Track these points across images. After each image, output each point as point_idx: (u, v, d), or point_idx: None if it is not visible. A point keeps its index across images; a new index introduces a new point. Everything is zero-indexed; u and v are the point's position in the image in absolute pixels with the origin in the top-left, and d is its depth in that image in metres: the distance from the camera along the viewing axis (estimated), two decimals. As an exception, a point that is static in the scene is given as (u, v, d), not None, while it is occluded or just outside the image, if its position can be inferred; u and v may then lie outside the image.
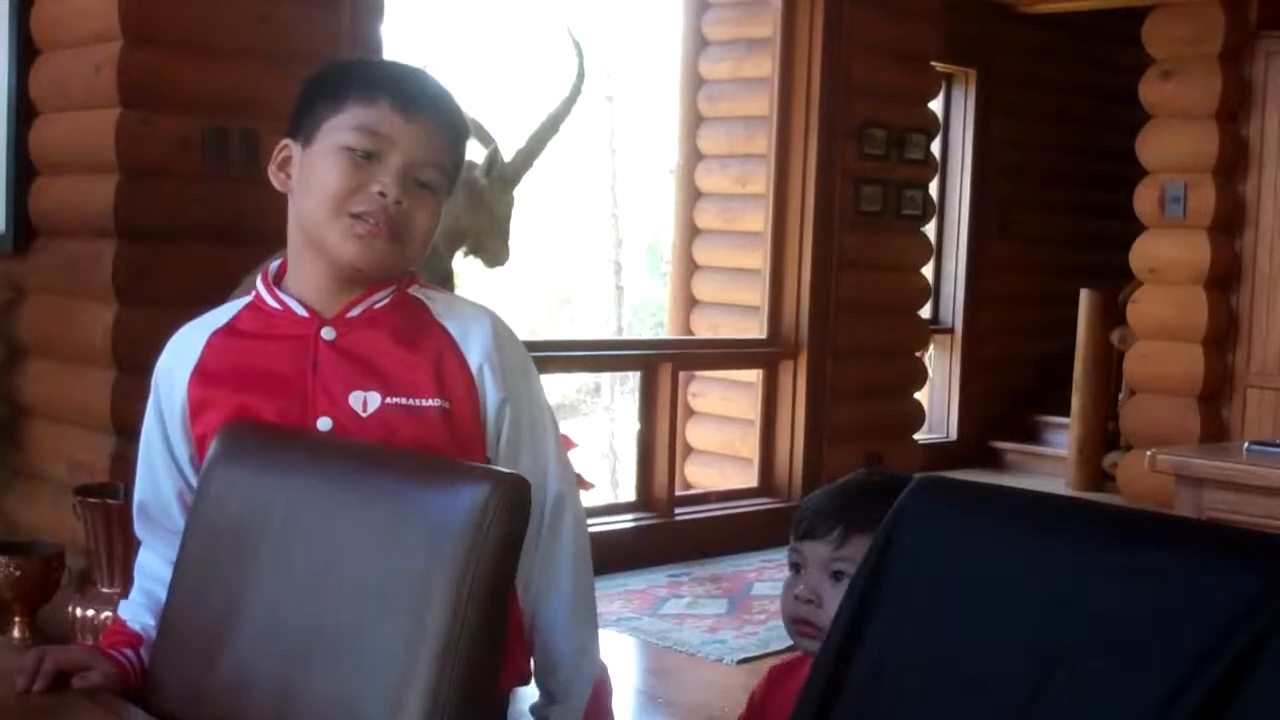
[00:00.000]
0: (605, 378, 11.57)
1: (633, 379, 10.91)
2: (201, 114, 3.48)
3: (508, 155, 3.78)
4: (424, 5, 9.84)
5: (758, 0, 5.64)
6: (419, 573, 1.24)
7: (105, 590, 3.00)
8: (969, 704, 1.25)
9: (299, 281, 1.62)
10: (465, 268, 3.87)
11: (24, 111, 3.73)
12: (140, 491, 1.64)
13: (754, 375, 5.63)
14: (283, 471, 1.46)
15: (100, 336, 3.46)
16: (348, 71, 1.63)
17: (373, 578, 1.29)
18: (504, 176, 3.74)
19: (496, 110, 4.21)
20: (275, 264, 1.66)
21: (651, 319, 12.08)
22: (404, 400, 1.56)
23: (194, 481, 1.59)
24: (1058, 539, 1.24)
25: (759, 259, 5.62)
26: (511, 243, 3.81)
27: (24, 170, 3.74)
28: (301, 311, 1.60)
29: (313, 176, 1.58)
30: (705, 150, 5.96)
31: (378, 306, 1.61)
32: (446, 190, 1.63)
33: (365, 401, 1.56)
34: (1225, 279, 5.94)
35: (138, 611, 1.59)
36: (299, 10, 3.66)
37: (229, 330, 1.63)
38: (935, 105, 6.23)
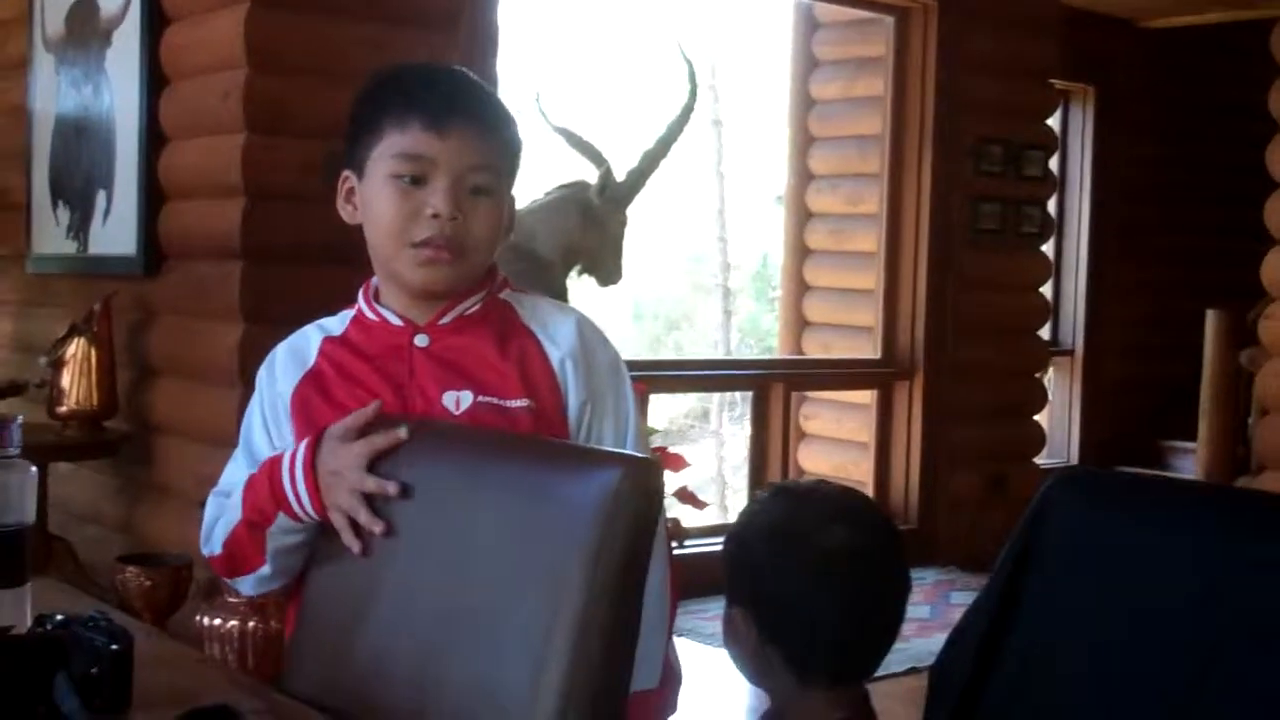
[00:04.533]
0: (713, 403, 11.56)
1: (741, 405, 10.93)
2: (323, 138, 3.55)
3: (620, 175, 3.82)
4: (538, 30, 9.97)
5: (869, 19, 5.62)
6: (553, 557, 1.27)
7: (231, 600, 3.07)
8: (1123, 699, 1.23)
9: (390, 298, 1.69)
10: (579, 287, 3.91)
11: (154, 139, 3.83)
12: (229, 485, 1.67)
13: (867, 397, 5.58)
14: (416, 460, 1.49)
15: (226, 356, 3.54)
16: (379, 95, 1.66)
17: (507, 563, 1.32)
18: (617, 196, 3.78)
19: (609, 131, 4.24)
20: (375, 279, 1.72)
21: (759, 344, 12.06)
22: (494, 400, 1.61)
23: None
24: (1205, 531, 1.22)
25: (871, 279, 5.59)
26: (624, 262, 3.85)
27: (154, 196, 3.84)
28: (397, 322, 1.67)
29: (371, 210, 1.63)
30: (816, 170, 5.94)
31: (469, 313, 1.67)
32: (508, 181, 1.67)
33: (458, 401, 1.61)
34: (1361, 293, 5.76)
35: None
36: (417, 36, 3.72)
37: (340, 341, 1.70)
38: (1053, 123, 6.15)
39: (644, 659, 1.54)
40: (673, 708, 1.69)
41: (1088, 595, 1.30)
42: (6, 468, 1.37)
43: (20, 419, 1.39)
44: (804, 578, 1.54)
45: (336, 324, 1.72)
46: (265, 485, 1.55)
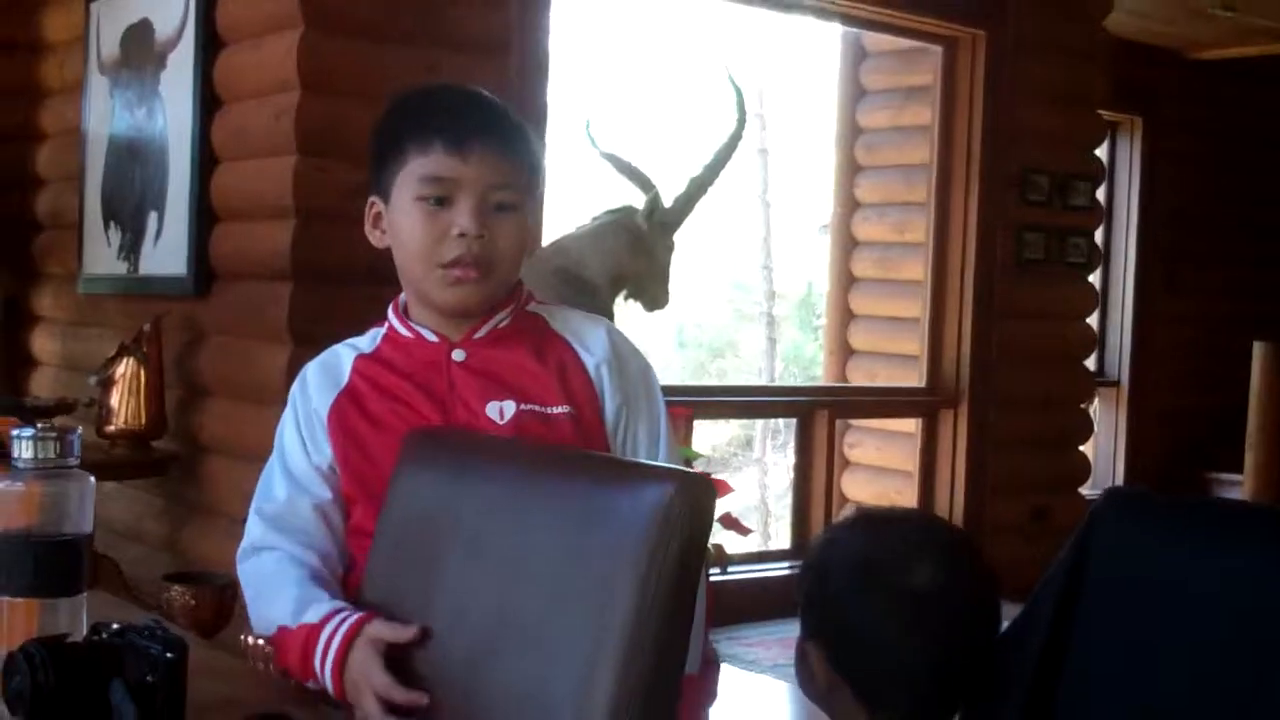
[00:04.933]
0: (757, 431, 11.55)
1: (784, 433, 10.91)
2: (374, 161, 3.58)
3: (668, 201, 3.83)
4: (588, 56, 10.02)
5: (917, 49, 5.62)
6: (605, 570, 1.27)
7: (251, 641, 3.08)
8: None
9: (421, 316, 1.71)
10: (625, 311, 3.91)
11: (206, 160, 3.88)
12: (269, 503, 1.67)
13: (911, 426, 5.56)
14: (469, 472, 1.51)
15: (275, 376, 3.57)
16: (400, 120, 1.68)
17: (559, 574, 1.33)
18: (664, 221, 3.79)
19: (657, 157, 4.26)
20: (403, 297, 1.74)
21: (803, 373, 12.04)
22: (536, 407, 1.63)
23: (329, 494, 1.66)
24: (1255, 552, 1.20)
25: (916, 308, 5.57)
26: (670, 287, 3.85)
27: (205, 217, 3.88)
28: (432, 338, 1.69)
29: (399, 233, 1.65)
30: (862, 199, 5.94)
31: (501, 326, 1.69)
32: (532, 196, 1.69)
33: (502, 410, 1.64)
34: None
35: (332, 600, 1.57)
36: (467, 62, 3.75)
37: (374, 358, 1.71)
38: (1100, 153, 6.13)
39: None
40: (714, 693, 1.70)
41: (1139, 616, 1.28)
42: (66, 478, 1.38)
43: (80, 431, 1.41)
44: (888, 619, 1.44)
45: (367, 342, 1.74)
46: (298, 656, 1.53)
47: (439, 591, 1.44)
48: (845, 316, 5.98)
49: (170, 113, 4.02)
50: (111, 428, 3.93)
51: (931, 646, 1.45)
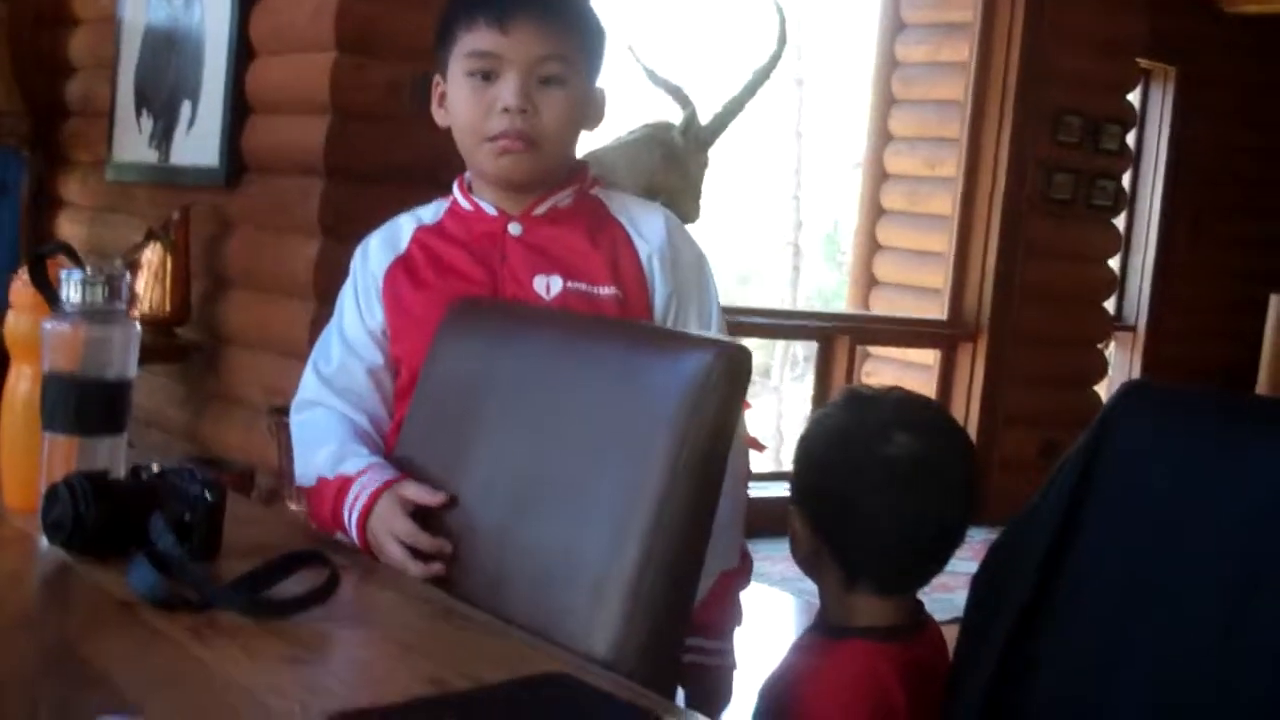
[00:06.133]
0: (775, 360, 11.57)
1: (802, 364, 10.93)
2: (412, 60, 3.58)
3: (704, 118, 3.83)
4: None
5: (958, -17, 5.59)
6: (640, 432, 1.30)
7: (293, 507, 3.13)
8: (1166, 619, 1.24)
9: (481, 190, 1.75)
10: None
11: (243, 54, 3.87)
12: (325, 364, 1.73)
13: (930, 358, 5.59)
14: (511, 337, 1.55)
15: (303, 269, 3.59)
16: (454, 1, 1.71)
17: (594, 436, 1.36)
18: (699, 138, 3.80)
19: (697, 77, 4.26)
20: (469, 173, 1.78)
21: (825, 305, 12.02)
22: (583, 286, 1.66)
23: (381, 359, 1.71)
24: (1261, 447, 1.22)
25: (942, 242, 5.58)
26: (702, 203, 3.87)
27: (239, 109, 3.89)
28: (491, 210, 1.73)
29: (453, 109, 1.70)
30: (895, 132, 5.93)
31: (561, 206, 1.72)
32: (585, 69, 1.70)
33: (549, 285, 1.67)
34: None
35: (371, 456, 1.61)
36: (510, -37, 3.73)
37: (435, 229, 1.76)
38: (1133, 99, 6.10)
39: (726, 543, 1.59)
40: (746, 582, 1.75)
41: (1151, 506, 1.30)
42: (111, 322, 1.40)
43: (128, 276, 1.43)
44: (860, 481, 1.54)
45: (430, 213, 1.79)
46: (330, 506, 1.58)
47: (474, 453, 1.47)
48: (872, 247, 5.99)
49: (209, 4, 4.01)
50: (136, 313, 3.95)
51: (903, 511, 1.54)
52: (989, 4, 5.46)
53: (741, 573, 1.72)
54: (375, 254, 1.75)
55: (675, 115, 3.81)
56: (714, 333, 1.72)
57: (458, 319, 1.61)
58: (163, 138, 4.24)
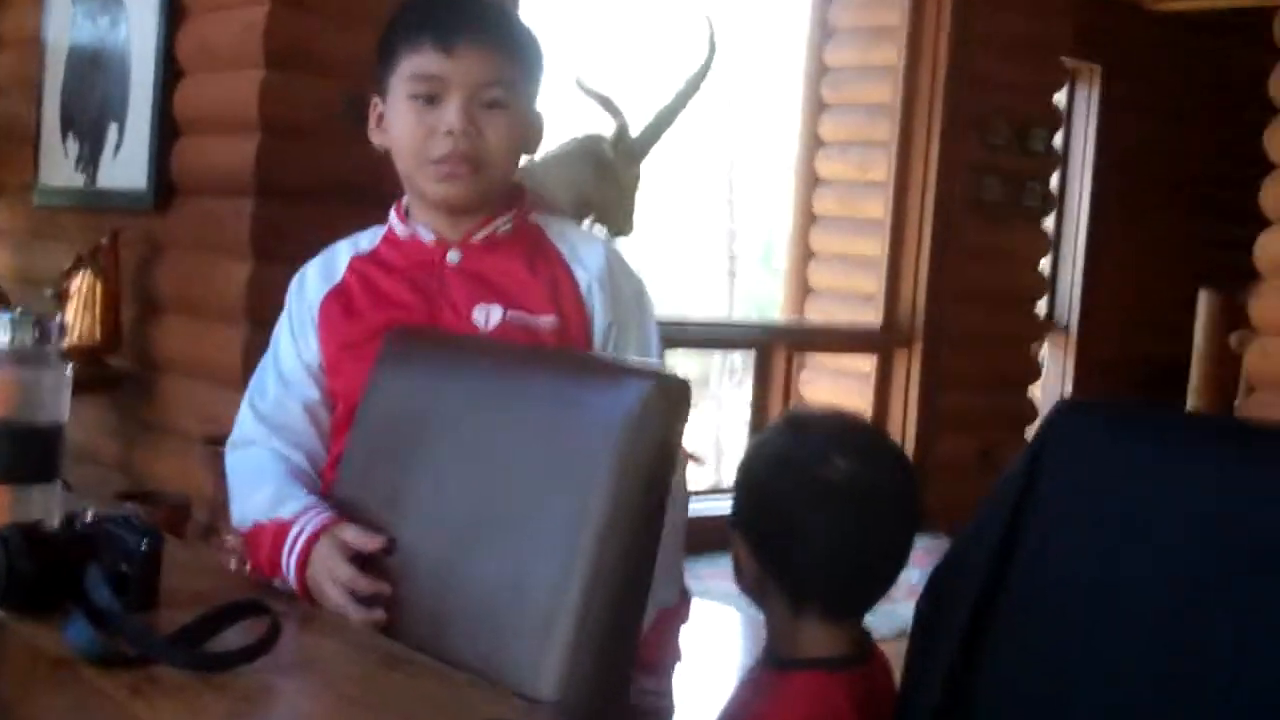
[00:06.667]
0: (714, 369, 11.59)
1: (740, 372, 10.95)
2: (342, 78, 3.55)
3: (635, 130, 3.83)
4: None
5: (885, -12, 5.63)
6: (581, 465, 1.30)
7: (229, 539, 3.09)
8: (1121, 632, 1.25)
9: (420, 215, 1.73)
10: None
11: (170, 73, 3.82)
12: (261, 400, 1.71)
13: (866, 364, 5.62)
14: (449, 370, 1.54)
15: (235, 293, 3.55)
16: (396, 19, 1.72)
17: (538, 467, 1.35)
18: (631, 150, 3.79)
19: (627, 87, 4.26)
20: (406, 197, 1.77)
21: (761, 313, 12.05)
22: (522, 315, 1.66)
23: (317, 394, 1.69)
24: (1208, 460, 1.24)
25: (876, 246, 5.61)
26: (635, 215, 3.86)
27: (167, 130, 3.84)
28: (429, 237, 1.72)
29: (394, 131, 1.70)
30: (826, 138, 5.95)
31: (499, 232, 1.72)
32: (527, 94, 1.71)
33: (488, 315, 1.66)
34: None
35: (308, 497, 1.60)
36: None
37: (371, 257, 1.74)
38: (1059, 100, 6.17)
39: (667, 580, 1.59)
40: (686, 619, 1.76)
41: (1091, 523, 1.32)
42: (43, 366, 1.38)
43: (60, 318, 1.41)
44: (800, 506, 1.53)
45: (367, 240, 1.77)
46: (268, 551, 1.56)
47: (413, 489, 1.46)
48: (805, 254, 6.01)
49: (134, 22, 3.96)
50: (65, 343, 3.89)
51: (847, 535, 1.53)
52: (916, 8, 5.50)
53: (680, 611, 1.72)
54: (311, 284, 1.74)
55: (606, 127, 3.80)
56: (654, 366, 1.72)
57: (395, 350, 1.59)
58: (89, 161, 4.18)
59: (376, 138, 1.75)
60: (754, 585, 1.60)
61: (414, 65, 1.64)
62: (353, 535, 1.47)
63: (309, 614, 1.44)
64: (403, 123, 1.66)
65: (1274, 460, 1.20)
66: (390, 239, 1.75)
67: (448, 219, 1.71)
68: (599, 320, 1.69)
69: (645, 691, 1.65)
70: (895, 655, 1.64)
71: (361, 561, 1.46)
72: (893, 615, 4.17)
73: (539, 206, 1.79)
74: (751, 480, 1.60)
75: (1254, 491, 1.17)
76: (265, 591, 1.41)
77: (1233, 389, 6.43)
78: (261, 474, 1.64)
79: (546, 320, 1.66)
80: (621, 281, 1.73)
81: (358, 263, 1.74)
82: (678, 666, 1.73)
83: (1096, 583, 1.29)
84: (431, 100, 1.64)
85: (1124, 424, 1.36)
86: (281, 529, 1.54)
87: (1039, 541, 1.36)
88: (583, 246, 1.74)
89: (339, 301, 1.70)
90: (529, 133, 1.72)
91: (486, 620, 1.34)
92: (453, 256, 1.70)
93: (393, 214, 1.77)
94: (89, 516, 1.36)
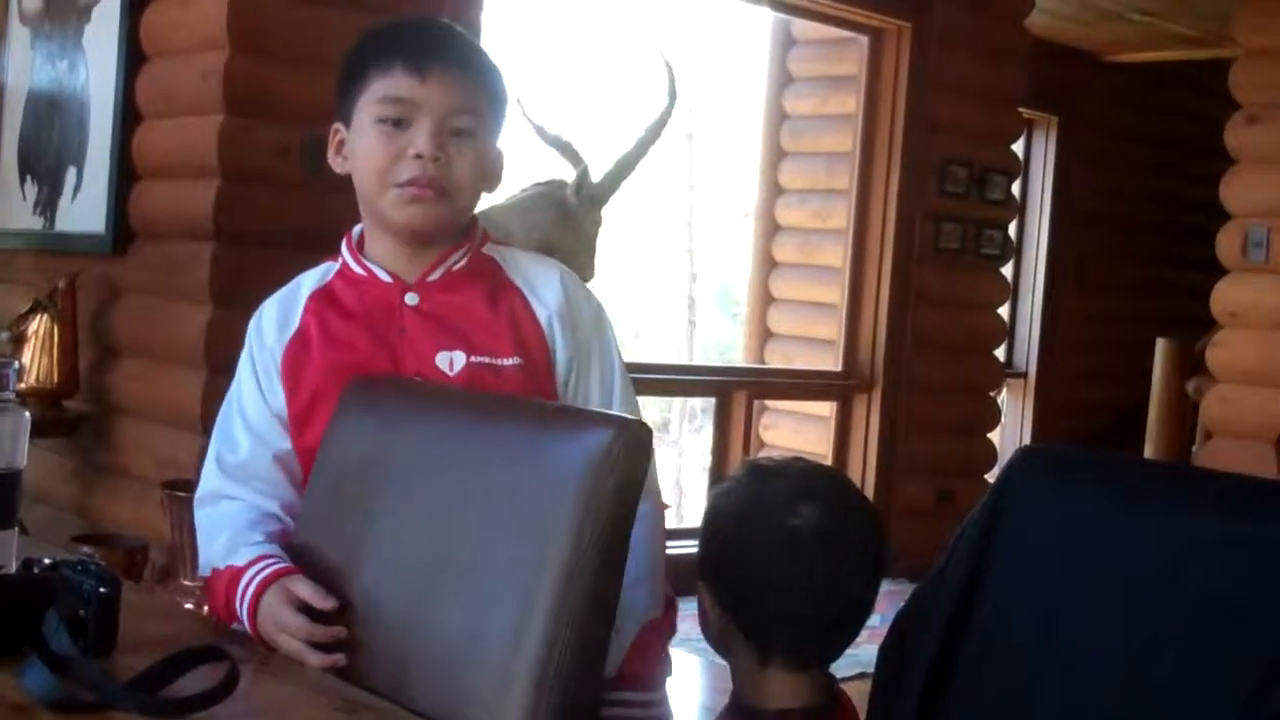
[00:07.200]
0: (674, 414, 11.59)
1: (701, 417, 10.98)
2: (302, 122, 3.56)
3: (596, 176, 3.84)
4: (520, 31, 9.97)
5: (844, 38, 5.68)
6: (541, 512, 1.29)
7: (187, 583, 3.06)
8: (1070, 683, 1.26)
9: (377, 249, 1.71)
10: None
11: (129, 117, 3.82)
12: (231, 453, 1.67)
13: (826, 409, 5.64)
14: (409, 417, 1.53)
15: (194, 337, 3.54)
16: (365, 44, 1.70)
17: (498, 516, 1.34)
18: (593, 196, 3.81)
19: (587, 134, 4.26)
20: (358, 229, 1.74)
21: (721, 358, 12.08)
22: (486, 359, 1.64)
23: (287, 444, 1.66)
24: (1156, 511, 1.25)
25: (835, 294, 5.64)
26: (597, 261, 3.87)
27: (126, 174, 3.83)
28: (385, 277, 1.69)
29: (358, 154, 1.66)
30: (786, 185, 6.00)
31: (456, 269, 1.69)
32: (492, 127, 1.70)
33: (451, 361, 1.64)
34: (1308, 323, 5.86)
35: (264, 545, 1.59)
36: (399, 28, 3.73)
37: (325, 295, 1.71)
38: (1016, 149, 6.24)
39: (647, 594, 1.59)
40: (673, 631, 1.73)
41: (1039, 577, 1.33)
42: (1, 411, 1.37)
43: (17, 364, 1.40)
44: (765, 556, 1.52)
45: (319, 276, 1.74)
46: (223, 598, 1.55)
47: (374, 537, 1.45)
48: (765, 299, 6.04)
49: (93, 67, 3.96)
50: (22, 385, 3.86)
51: (813, 585, 1.51)
52: (874, 57, 5.55)
53: (666, 622, 1.69)
54: (270, 329, 1.70)
55: (567, 173, 3.82)
56: (617, 389, 1.71)
57: (356, 398, 1.58)
58: (48, 204, 4.17)
59: (337, 164, 1.72)
60: (720, 634, 1.58)
61: (385, 87, 1.63)
62: (305, 590, 1.46)
63: (267, 659, 1.43)
64: (368, 145, 1.64)
65: (1226, 510, 1.22)
66: (345, 274, 1.72)
67: (405, 250, 1.68)
68: (561, 355, 1.67)
69: (634, 703, 1.62)
70: (857, 696, 1.64)
71: (313, 612, 1.45)
72: (853, 657, 4.17)
73: (490, 235, 1.77)
74: (716, 530, 1.59)
75: (1206, 539, 1.19)
76: (225, 635, 1.40)
77: (1190, 435, 6.49)
78: (222, 521, 1.62)
79: (510, 362, 1.64)
80: (581, 309, 1.71)
81: (313, 303, 1.70)
82: (668, 679, 1.70)
83: (1057, 626, 1.30)
84: (399, 124, 1.62)
85: (1080, 471, 1.37)
86: (235, 575, 1.53)
87: (1002, 585, 1.37)
88: (540, 279, 1.71)
89: (302, 348, 1.67)
90: (492, 168, 1.71)
91: (448, 668, 1.33)
92: (411, 299, 1.67)
93: (344, 248, 1.73)
94: (46, 561, 1.35)
